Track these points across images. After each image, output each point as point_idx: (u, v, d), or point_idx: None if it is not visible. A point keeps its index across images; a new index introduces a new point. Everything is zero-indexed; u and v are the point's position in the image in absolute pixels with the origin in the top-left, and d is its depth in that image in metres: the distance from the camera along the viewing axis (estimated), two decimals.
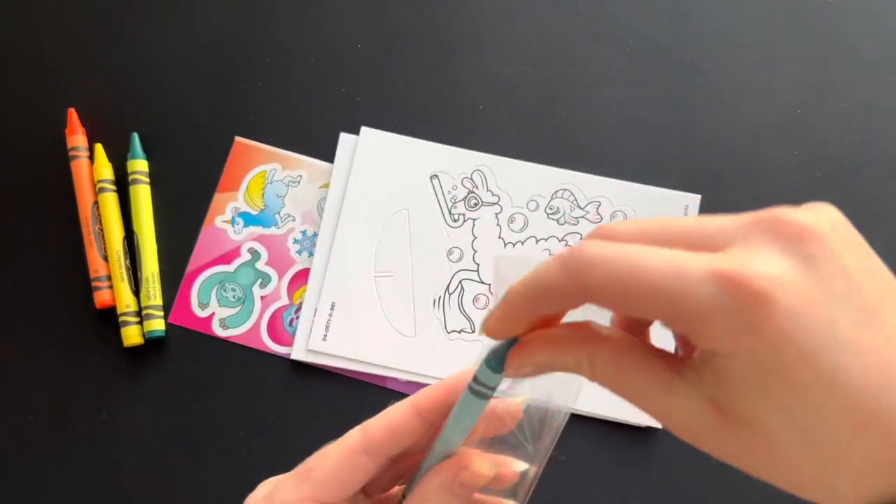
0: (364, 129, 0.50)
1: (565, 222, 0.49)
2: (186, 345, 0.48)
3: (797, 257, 0.19)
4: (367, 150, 0.50)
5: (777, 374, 0.19)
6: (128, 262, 0.48)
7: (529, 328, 0.23)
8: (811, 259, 0.19)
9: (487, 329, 0.24)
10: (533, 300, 0.22)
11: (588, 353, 0.22)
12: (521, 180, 0.49)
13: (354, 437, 0.28)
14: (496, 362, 0.25)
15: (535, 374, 0.24)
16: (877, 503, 0.20)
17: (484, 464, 0.27)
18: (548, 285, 0.21)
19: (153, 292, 0.48)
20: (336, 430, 0.46)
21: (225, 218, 0.50)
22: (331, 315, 0.47)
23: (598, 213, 0.49)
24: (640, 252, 0.20)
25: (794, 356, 0.18)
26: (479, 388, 0.26)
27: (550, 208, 0.49)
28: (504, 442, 0.28)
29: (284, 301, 0.48)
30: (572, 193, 0.49)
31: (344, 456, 0.28)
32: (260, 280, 0.49)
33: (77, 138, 0.50)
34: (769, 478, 0.21)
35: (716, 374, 0.20)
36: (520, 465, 0.28)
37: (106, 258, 0.48)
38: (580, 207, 0.49)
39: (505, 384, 0.27)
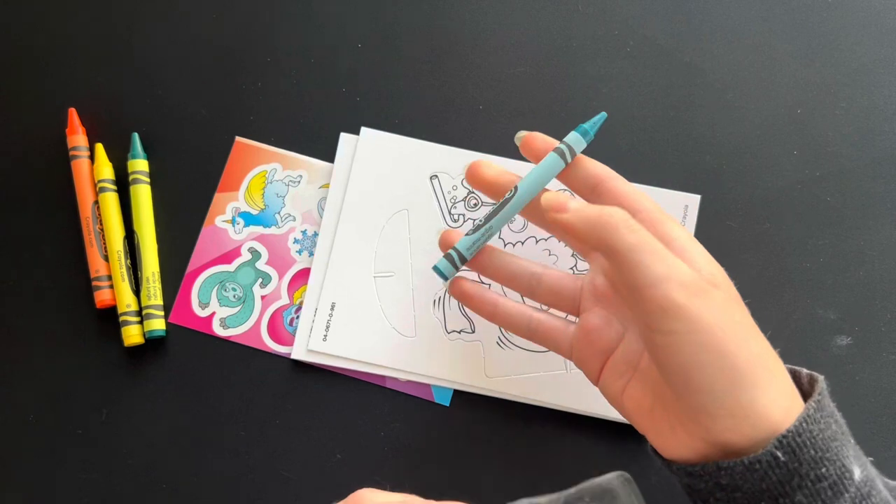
0: (364, 130, 0.50)
1: None
2: (187, 344, 0.48)
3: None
4: (367, 150, 0.50)
5: None
6: (128, 261, 0.48)
7: None
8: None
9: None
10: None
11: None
12: None
13: None
14: (587, 130, 0.36)
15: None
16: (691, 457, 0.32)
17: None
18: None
19: (153, 292, 0.48)
20: (336, 431, 0.46)
21: (225, 218, 0.50)
22: (331, 315, 0.47)
23: None
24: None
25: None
26: (564, 150, 0.36)
27: None
28: None
29: (285, 301, 0.48)
30: (572, 193, 0.49)
31: None
32: (260, 280, 0.49)
33: (77, 138, 0.50)
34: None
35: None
36: None
37: (106, 258, 0.48)
38: None
39: None
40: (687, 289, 0.30)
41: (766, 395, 0.30)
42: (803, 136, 0.50)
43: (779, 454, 0.30)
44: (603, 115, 0.36)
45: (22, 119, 0.51)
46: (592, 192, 0.37)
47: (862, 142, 0.50)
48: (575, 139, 0.36)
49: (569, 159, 0.36)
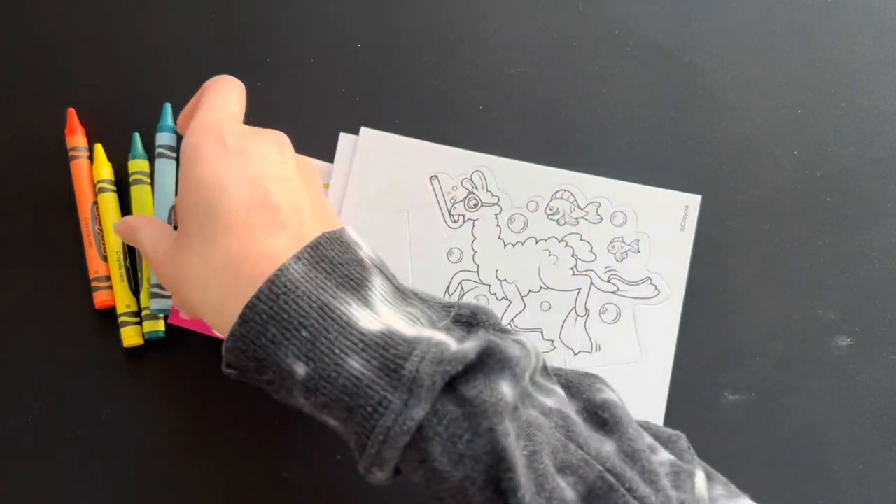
0: (364, 130, 0.50)
1: (565, 223, 0.49)
2: (186, 345, 0.48)
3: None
4: (367, 150, 0.50)
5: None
6: (127, 262, 0.48)
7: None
8: None
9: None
10: None
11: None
12: (521, 181, 0.49)
13: None
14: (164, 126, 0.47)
15: None
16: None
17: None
18: None
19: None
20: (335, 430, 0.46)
21: None
22: None
23: (599, 214, 0.49)
24: None
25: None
26: (164, 151, 0.47)
27: (550, 209, 0.49)
28: None
29: None
30: (572, 194, 0.49)
31: None
32: None
33: (77, 138, 0.50)
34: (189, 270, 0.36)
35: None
36: None
37: (105, 258, 0.48)
38: (580, 208, 0.49)
39: None
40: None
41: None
42: (803, 136, 0.50)
43: (227, 370, 0.34)
44: (164, 105, 0.47)
45: (22, 119, 0.51)
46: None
47: (862, 142, 0.50)
48: (165, 139, 0.46)
49: (172, 154, 0.47)
